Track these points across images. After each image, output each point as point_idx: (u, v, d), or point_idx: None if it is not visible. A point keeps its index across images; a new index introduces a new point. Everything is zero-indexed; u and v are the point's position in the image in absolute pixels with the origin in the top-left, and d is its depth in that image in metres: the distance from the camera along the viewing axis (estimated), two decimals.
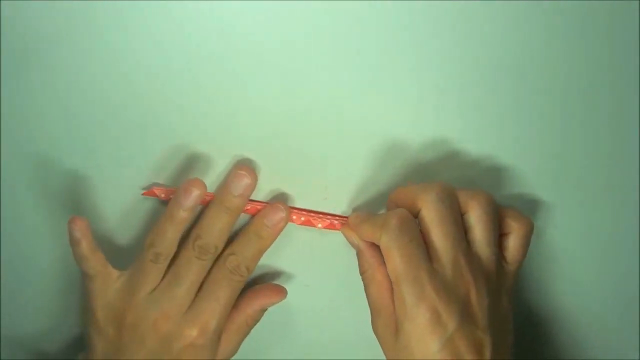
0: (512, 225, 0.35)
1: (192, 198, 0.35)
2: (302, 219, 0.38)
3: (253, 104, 0.37)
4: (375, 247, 0.36)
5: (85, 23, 0.36)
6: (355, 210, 0.39)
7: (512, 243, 0.35)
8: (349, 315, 0.41)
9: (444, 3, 0.36)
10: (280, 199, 0.39)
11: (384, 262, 0.34)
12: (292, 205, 0.39)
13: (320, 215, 0.38)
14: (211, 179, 0.38)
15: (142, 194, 0.38)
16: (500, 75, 0.38)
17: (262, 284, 0.39)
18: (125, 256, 0.38)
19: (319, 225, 0.38)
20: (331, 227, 0.38)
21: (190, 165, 0.38)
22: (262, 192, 0.39)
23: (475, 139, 0.39)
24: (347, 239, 0.38)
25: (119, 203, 0.39)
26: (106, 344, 0.36)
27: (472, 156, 0.39)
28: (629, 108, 0.38)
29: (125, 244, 0.40)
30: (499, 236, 0.35)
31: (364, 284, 0.36)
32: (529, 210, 0.40)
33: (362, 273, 0.36)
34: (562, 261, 0.41)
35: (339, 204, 0.39)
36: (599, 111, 0.38)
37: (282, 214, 0.37)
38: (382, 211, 0.39)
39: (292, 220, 0.38)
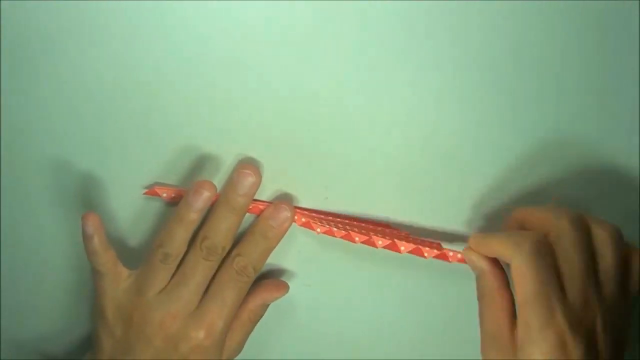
0: (632, 256, 0.34)
1: (202, 199, 0.36)
2: (303, 220, 0.38)
3: (255, 104, 0.37)
4: (498, 270, 0.35)
5: (92, 22, 0.36)
6: (475, 235, 0.37)
7: (634, 274, 0.34)
8: (350, 315, 0.41)
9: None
10: (282, 199, 0.39)
11: (506, 286, 0.34)
12: (293, 205, 0.39)
13: (322, 217, 0.38)
14: (214, 179, 0.38)
15: (144, 194, 0.38)
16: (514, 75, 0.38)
17: (263, 280, 0.40)
18: (133, 257, 0.39)
19: (318, 230, 0.38)
20: (329, 233, 0.38)
21: (193, 165, 0.38)
22: (263, 192, 0.39)
23: (477, 139, 0.39)
24: (468, 260, 0.36)
25: (127, 203, 0.39)
26: (114, 343, 0.36)
27: (474, 157, 0.39)
28: None
29: (133, 245, 0.40)
30: None
31: (481, 306, 0.35)
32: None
33: (481, 295, 0.35)
34: None
35: (340, 204, 0.39)
36: None
37: (287, 214, 0.37)
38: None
39: (293, 220, 0.38)
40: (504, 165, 0.39)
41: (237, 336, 0.38)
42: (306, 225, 0.38)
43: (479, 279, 0.35)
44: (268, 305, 0.39)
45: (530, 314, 0.31)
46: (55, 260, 0.40)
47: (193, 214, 0.36)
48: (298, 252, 0.40)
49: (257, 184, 0.37)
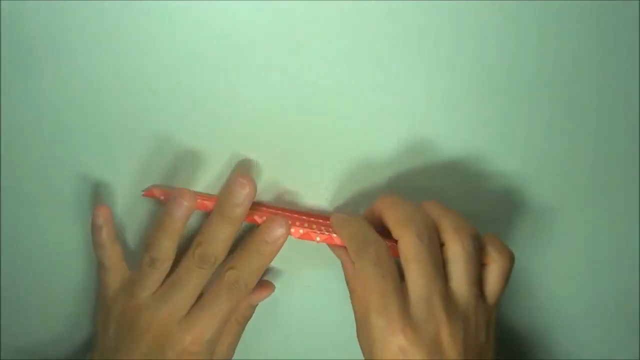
0: (492, 256, 0.34)
1: (183, 209, 0.35)
2: (301, 231, 0.37)
3: (255, 104, 0.37)
4: None
5: (93, 23, 0.36)
6: (335, 211, 0.38)
7: (492, 277, 0.34)
8: (350, 315, 0.41)
9: (450, 3, 0.36)
10: (281, 199, 0.39)
11: None
12: (293, 205, 0.39)
13: (321, 220, 0.38)
14: (214, 180, 0.38)
15: (143, 195, 0.38)
16: (501, 77, 0.38)
17: None
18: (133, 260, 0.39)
19: (318, 239, 0.37)
20: (329, 240, 0.37)
21: (194, 165, 0.38)
22: (263, 193, 0.39)
23: (479, 141, 0.39)
24: (331, 249, 0.37)
25: (128, 204, 0.39)
26: (107, 340, 0.36)
27: (474, 159, 0.39)
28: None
29: (132, 246, 0.40)
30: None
31: (349, 291, 0.36)
32: (516, 213, 0.40)
33: (346, 282, 0.36)
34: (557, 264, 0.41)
35: (339, 205, 0.39)
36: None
37: (282, 230, 0.36)
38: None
39: (290, 234, 0.37)
40: (500, 165, 0.39)
41: (227, 339, 0.38)
42: (305, 236, 0.37)
43: (342, 265, 0.37)
44: (255, 306, 0.39)
45: (371, 322, 0.32)
46: (57, 262, 0.40)
47: (174, 223, 0.35)
48: (297, 252, 0.40)
49: (252, 194, 0.36)
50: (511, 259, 0.34)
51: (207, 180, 0.38)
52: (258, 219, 0.37)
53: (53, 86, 0.36)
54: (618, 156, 0.39)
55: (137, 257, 0.37)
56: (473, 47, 0.37)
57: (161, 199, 0.37)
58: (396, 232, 0.33)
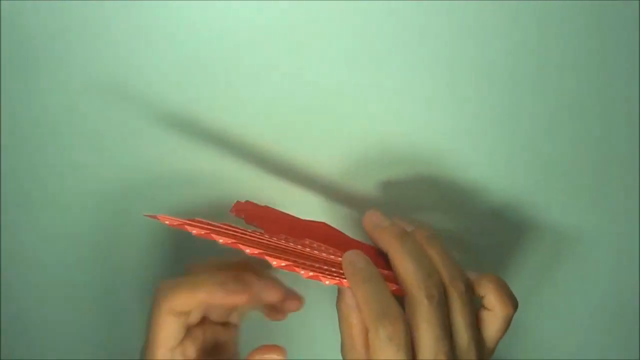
0: (498, 305, 0.34)
1: None
2: (311, 273, 0.34)
3: (255, 104, 0.38)
4: None
5: (89, 25, 0.36)
6: (347, 252, 0.36)
7: (493, 323, 0.34)
8: None
9: (447, 3, 0.36)
10: (278, 202, 0.39)
11: None
12: (292, 207, 0.39)
13: (332, 257, 0.36)
14: (213, 180, 0.38)
15: (145, 215, 0.35)
16: (507, 82, 0.38)
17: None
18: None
19: (327, 283, 0.35)
20: (339, 284, 0.35)
21: (193, 166, 0.38)
22: (263, 194, 0.39)
23: (478, 141, 0.39)
24: None
25: (122, 204, 0.39)
26: None
27: (474, 159, 0.39)
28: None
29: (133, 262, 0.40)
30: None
31: (338, 315, 0.35)
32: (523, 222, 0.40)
33: (338, 308, 0.35)
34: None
35: (339, 206, 0.39)
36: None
37: None
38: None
39: (298, 273, 0.34)
40: (494, 166, 0.39)
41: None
42: (314, 278, 0.34)
43: (338, 289, 0.35)
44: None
45: None
46: (56, 264, 0.40)
47: None
48: None
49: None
50: (514, 306, 0.34)
51: (206, 181, 0.38)
52: (251, 250, 0.34)
53: (53, 86, 0.37)
54: (618, 157, 0.39)
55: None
56: (473, 47, 0.37)
57: (166, 223, 0.34)
58: (407, 288, 0.34)
